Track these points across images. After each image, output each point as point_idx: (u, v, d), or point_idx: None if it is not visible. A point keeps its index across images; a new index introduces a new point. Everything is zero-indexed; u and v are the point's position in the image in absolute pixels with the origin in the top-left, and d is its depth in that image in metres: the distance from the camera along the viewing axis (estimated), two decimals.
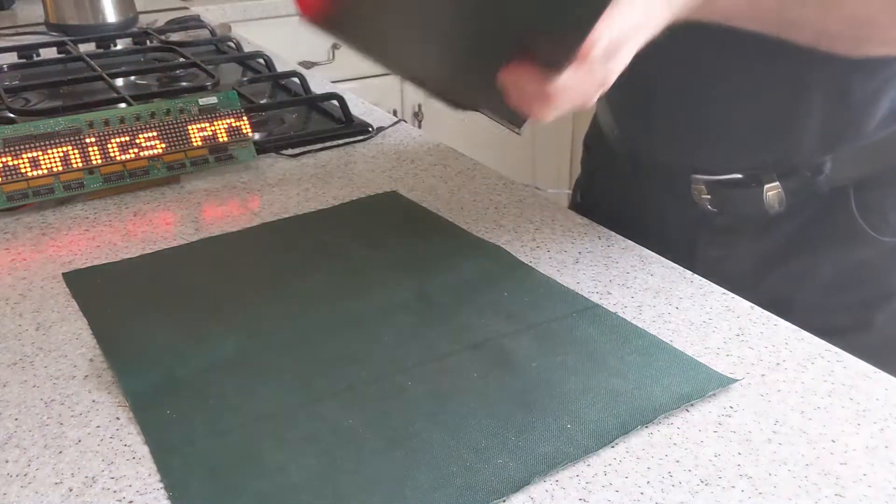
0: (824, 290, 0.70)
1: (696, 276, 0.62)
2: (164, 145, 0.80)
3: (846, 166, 0.66)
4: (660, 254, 0.65)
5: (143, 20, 1.37)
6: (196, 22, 1.31)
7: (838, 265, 0.69)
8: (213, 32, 1.25)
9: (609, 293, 0.59)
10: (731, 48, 0.62)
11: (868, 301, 0.70)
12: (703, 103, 0.68)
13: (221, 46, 1.19)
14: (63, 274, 0.64)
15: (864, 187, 0.67)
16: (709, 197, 0.70)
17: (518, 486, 0.43)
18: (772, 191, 0.67)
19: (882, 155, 0.66)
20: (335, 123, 0.93)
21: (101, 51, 1.17)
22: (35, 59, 1.13)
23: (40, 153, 0.75)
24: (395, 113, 1.83)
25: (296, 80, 1.02)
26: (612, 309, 0.57)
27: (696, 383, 0.49)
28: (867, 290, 0.70)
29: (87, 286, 0.62)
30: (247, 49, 1.18)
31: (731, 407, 0.48)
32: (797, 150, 0.66)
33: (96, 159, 0.77)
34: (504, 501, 0.42)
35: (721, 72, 0.66)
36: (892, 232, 0.68)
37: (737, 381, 0.50)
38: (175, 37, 1.23)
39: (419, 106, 2.14)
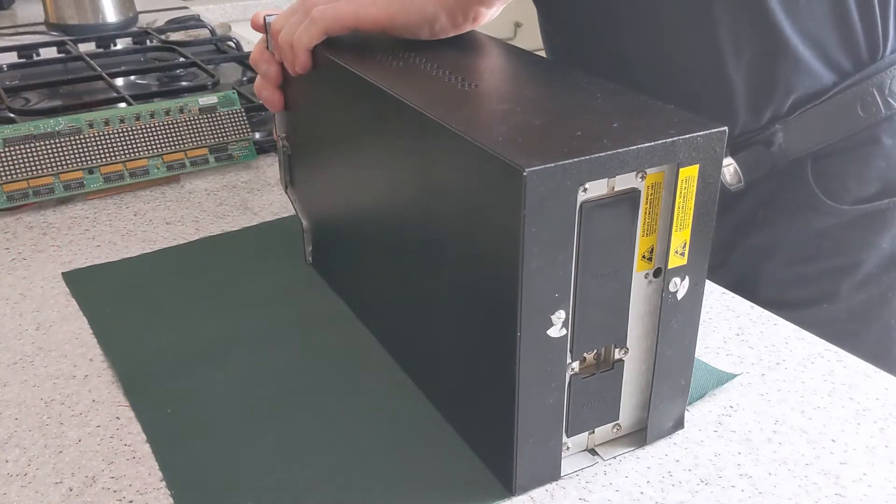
0: (789, 263, 0.71)
1: None
2: (163, 145, 0.80)
3: (799, 137, 0.66)
4: None
5: (143, 20, 1.37)
6: (196, 22, 1.31)
7: (800, 237, 0.70)
8: (213, 32, 1.25)
9: None
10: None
11: (833, 271, 0.70)
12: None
13: (221, 46, 1.19)
14: (62, 273, 0.64)
15: (821, 158, 0.67)
16: None
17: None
18: (726, 167, 0.68)
19: (834, 125, 0.66)
20: None
21: (101, 50, 1.17)
22: (35, 58, 1.13)
23: (40, 153, 0.75)
24: None
25: None
26: None
27: (696, 381, 0.49)
28: (831, 261, 0.70)
29: (86, 286, 0.62)
30: (247, 49, 1.18)
31: (731, 407, 0.48)
32: (733, 115, 0.67)
33: (96, 159, 0.77)
34: (505, 500, 0.42)
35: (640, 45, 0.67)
36: (851, 199, 0.68)
37: (737, 375, 0.50)
38: (175, 36, 1.23)
39: None
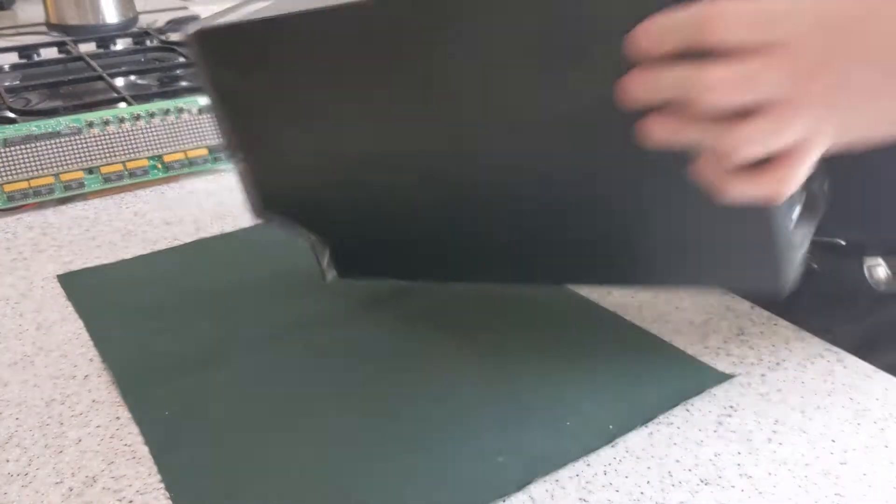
0: None
1: None
2: (163, 145, 0.80)
3: None
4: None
5: (143, 20, 1.37)
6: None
7: None
8: None
9: (609, 293, 0.59)
10: None
11: None
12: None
13: None
14: (57, 276, 0.64)
15: None
16: (810, 255, 0.57)
17: (519, 485, 0.43)
18: (876, 266, 0.58)
19: None
20: None
21: (101, 51, 1.17)
22: (35, 59, 1.13)
23: (40, 153, 0.75)
24: None
25: None
26: (612, 309, 0.57)
27: (694, 381, 0.49)
28: None
29: (82, 288, 0.62)
30: None
31: (731, 407, 0.48)
32: None
33: (96, 159, 0.77)
34: (504, 501, 0.42)
35: None
36: None
37: (734, 376, 0.50)
38: (175, 37, 1.23)
39: None
